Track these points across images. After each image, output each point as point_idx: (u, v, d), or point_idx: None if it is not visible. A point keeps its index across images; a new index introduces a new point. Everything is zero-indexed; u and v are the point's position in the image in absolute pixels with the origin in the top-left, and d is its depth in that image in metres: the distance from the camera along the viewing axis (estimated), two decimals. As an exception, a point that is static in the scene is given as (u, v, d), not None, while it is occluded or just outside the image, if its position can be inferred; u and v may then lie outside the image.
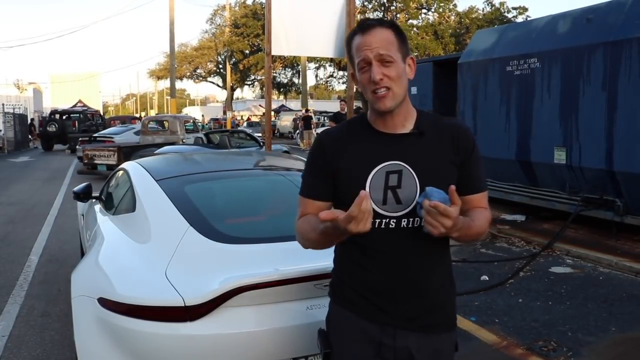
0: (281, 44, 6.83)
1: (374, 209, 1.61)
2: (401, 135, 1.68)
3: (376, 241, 1.65)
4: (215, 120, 42.13)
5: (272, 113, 30.80)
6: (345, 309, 1.76)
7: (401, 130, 1.69)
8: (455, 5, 32.12)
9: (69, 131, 25.52)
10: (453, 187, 1.49)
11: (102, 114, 38.15)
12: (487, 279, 5.36)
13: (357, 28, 1.67)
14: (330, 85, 41.79)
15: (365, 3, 32.30)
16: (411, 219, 1.64)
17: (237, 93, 52.11)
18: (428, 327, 1.71)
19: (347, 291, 1.75)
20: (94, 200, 4.38)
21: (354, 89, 7.73)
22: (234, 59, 38.23)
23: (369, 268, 1.69)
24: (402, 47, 1.65)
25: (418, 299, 1.69)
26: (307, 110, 24.98)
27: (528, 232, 7.14)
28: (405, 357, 1.71)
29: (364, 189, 1.62)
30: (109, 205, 3.83)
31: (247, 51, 36.96)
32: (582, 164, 6.81)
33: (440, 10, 31.69)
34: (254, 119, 42.79)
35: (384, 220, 1.64)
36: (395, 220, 1.64)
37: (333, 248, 1.81)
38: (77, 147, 18.11)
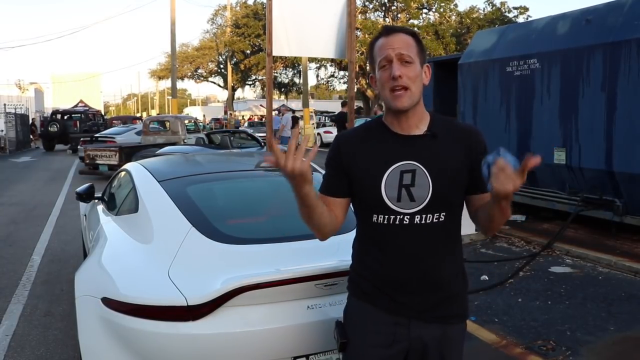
0: (282, 45, 6.85)
1: (389, 206, 1.72)
2: (415, 136, 1.77)
3: (391, 236, 1.75)
4: (216, 120, 42.16)
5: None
6: (361, 301, 1.84)
7: (415, 132, 1.77)
8: (456, 5, 32.17)
9: (71, 131, 25.56)
10: (532, 161, 1.55)
11: (103, 114, 38.20)
12: (487, 278, 5.39)
13: (381, 32, 1.77)
14: (331, 86, 41.86)
15: (366, 3, 32.32)
16: (424, 216, 1.73)
17: (238, 93, 52.15)
18: (442, 319, 1.79)
19: (364, 284, 1.83)
20: (96, 200, 4.42)
21: (355, 89, 7.75)
22: (235, 59, 38.26)
23: (384, 262, 1.77)
24: (421, 53, 1.76)
25: (431, 291, 1.77)
26: (293, 112, 25.40)
27: (528, 232, 7.16)
28: (419, 347, 1.79)
29: (380, 187, 1.72)
30: (112, 205, 3.86)
31: (248, 51, 37.00)
32: (582, 164, 6.83)
33: (441, 10, 31.71)
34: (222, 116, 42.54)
35: (398, 217, 1.73)
36: (409, 217, 1.72)
37: (351, 244, 1.91)
38: (78, 147, 18.14)
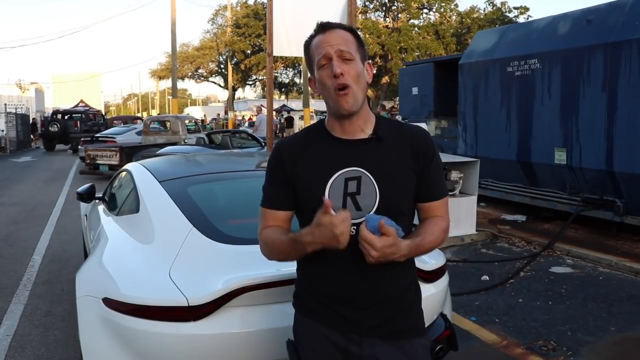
0: (282, 45, 6.86)
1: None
2: (360, 140, 1.66)
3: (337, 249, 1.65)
4: (217, 120, 42.23)
5: (274, 113, 30.86)
6: (309, 319, 1.74)
7: (360, 136, 1.67)
8: (456, 5, 32.13)
9: (71, 131, 25.57)
10: (382, 221, 1.48)
11: (103, 114, 38.23)
12: (488, 279, 5.38)
13: (317, 29, 1.66)
14: (331, 85, 41.74)
15: (367, 3, 32.32)
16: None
17: (239, 93, 52.11)
18: (395, 334, 1.68)
19: (310, 300, 1.73)
20: (97, 201, 4.42)
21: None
22: (235, 59, 38.21)
23: (331, 276, 1.67)
24: (360, 49, 1.65)
25: (381, 306, 1.67)
26: (289, 112, 25.59)
27: (528, 232, 7.16)
28: None
29: (323, 196, 1.61)
30: (113, 206, 3.86)
31: (248, 51, 36.95)
32: (583, 164, 6.83)
33: (442, 10, 31.68)
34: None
35: None
36: (355, 227, 1.59)
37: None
38: (79, 147, 18.15)
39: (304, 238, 1.53)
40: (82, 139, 19.61)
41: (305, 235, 1.53)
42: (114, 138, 17.70)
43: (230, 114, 37.22)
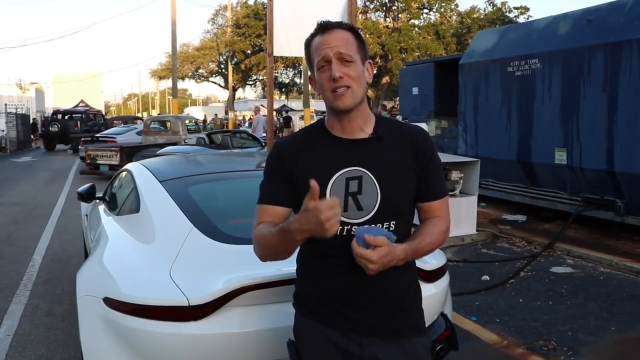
0: (283, 45, 6.86)
1: None
2: (360, 140, 1.66)
3: (338, 248, 1.62)
4: (215, 120, 42.23)
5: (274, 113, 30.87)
6: (309, 319, 1.74)
7: (360, 135, 1.66)
8: (456, 5, 32.11)
9: (71, 131, 25.59)
10: (367, 236, 1.49)
11: (104, 114, 38.26)
12: (488, 279, 5.38)
13: (317, 29, 1.65)
14: (331, 85, 41.66)
15: (367, 3, 32.31)
16: (373, 225, 1.62)
17: (239, 93, 52.12)
18: (395, 333, 1.68)
19: (310, 300, 1.73)
20: (97, 200, 4.42)
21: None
22: (235, 59, 38.21)
23: (331, 276, 1.67)
24: (361, 49, 1.64)
25: (382, 305, 1.67)
26: (287, 112, 25.64)
27: (529, 232, 7.16)
28: None
29: (325, 195, 1.59)
30: (113, 205, 3.87)
31: (248, 51, 36.95)
32: (583, 164, 6.83)
33: (442, 10, 31.67)
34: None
35: (345, 227, 1.61)
36: (357, 227, 1.60)
37: (295, 258, 1.78)
38: (79, 147, 18.16)
39: (291, 226, 1.47)
40: (82, 139, 19.62)
41: (292, 222, 1.47)
42: (114, 138, 17.70)
43: (231, 114, 37.21)
